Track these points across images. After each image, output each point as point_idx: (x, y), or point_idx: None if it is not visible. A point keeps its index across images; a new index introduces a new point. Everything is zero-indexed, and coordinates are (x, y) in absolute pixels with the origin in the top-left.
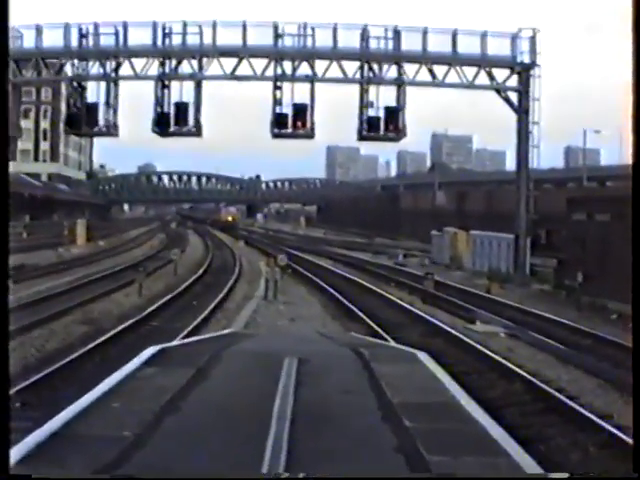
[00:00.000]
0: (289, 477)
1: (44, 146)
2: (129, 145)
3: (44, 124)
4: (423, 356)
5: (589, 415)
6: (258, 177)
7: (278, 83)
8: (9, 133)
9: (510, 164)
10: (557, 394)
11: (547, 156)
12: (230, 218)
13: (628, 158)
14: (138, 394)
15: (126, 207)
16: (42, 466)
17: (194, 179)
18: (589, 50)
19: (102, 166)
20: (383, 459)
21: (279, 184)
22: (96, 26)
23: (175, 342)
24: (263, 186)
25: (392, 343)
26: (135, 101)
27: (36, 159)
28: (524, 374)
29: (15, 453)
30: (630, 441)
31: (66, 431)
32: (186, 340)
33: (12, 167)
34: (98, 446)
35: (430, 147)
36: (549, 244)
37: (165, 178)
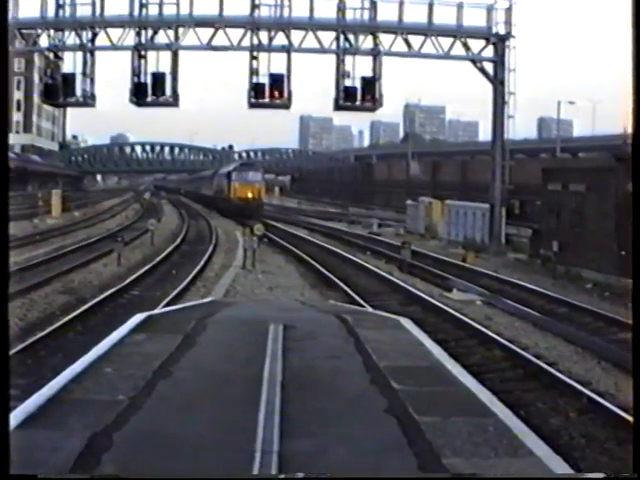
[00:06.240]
0: (285, 478)
1: (17, 117)
2: (102, 115)
3: (17, 95)
4: (406, 322)
5: (569, 381)
6: (231, 147)
7: (254, 53)
8: None
9: (483, 135)
10: (536, 360)
11: (520, 127)
12: (250, 194)
13: (600, 129)
14: (129, 360)
15: (99, 178)
16: (45, 428)
17: (167, 149)
18: (563, 22)
19: (75, 137)
20: (375, 420)
21: (252, 154)
22: None
23: (160, 310)
24: (236, 156)
25: (371, 310)
26: (110, 71)
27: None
28: (503, 341)
29: (17, 415)
30: (629, 416)
31: (64, 395)
32: (170, 308)
33: None
34: (95, 409)
35: (403, 117)
36: (523, 214)
37: (138, 148)
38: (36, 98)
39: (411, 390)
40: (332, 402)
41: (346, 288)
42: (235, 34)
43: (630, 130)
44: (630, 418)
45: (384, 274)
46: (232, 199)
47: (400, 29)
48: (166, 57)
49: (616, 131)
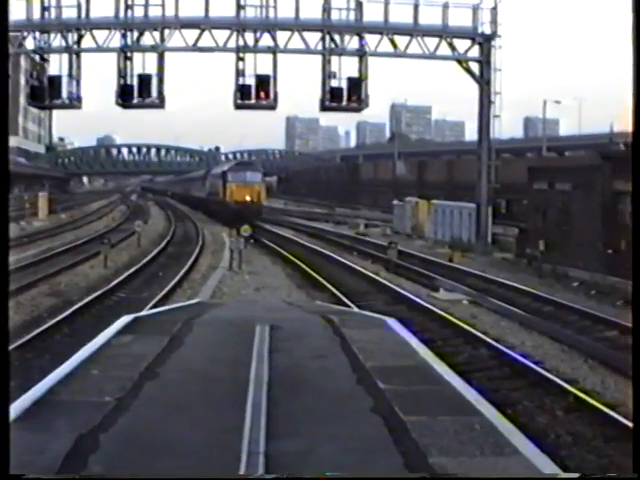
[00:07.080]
0: (272, 478)
1: None
2: (89, 117)
3: None
4: (392, 322)
5: (555, 379)
6: (217, 148)
7: (240, 54)
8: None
9: (469, 135)
10: (522, 359)
11: (506, 126)
12: (248, 197)
13: (587, 128)
14: (115, 361)
15: (85, 180)
16: (32, 430)
17: (153, 151)
18: (549, 21)
19: (61, 139)
20: (361, 420)
21: (238, 155)
22: None
23: (147, 311)
24: (222, 157)
25: (357, 310)
26: (96, 73)
27: None
28: (489, 340)
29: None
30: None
31: (50, 397)
32: (157, 309)
33: None
34: (82, 411)
35: (389, 117)
36: (509, 213)
37: (124, 150)
38: (22, 100)
39: (397, 389)
40: (318, 402)
41: (332, 288)
42: (221, 35)
43: (616, 129)
44: (616, 415)
45: (371, 274)
46: (228, 202)
47: (386, 29)
48: (152, 59)
49: (602, 130)
